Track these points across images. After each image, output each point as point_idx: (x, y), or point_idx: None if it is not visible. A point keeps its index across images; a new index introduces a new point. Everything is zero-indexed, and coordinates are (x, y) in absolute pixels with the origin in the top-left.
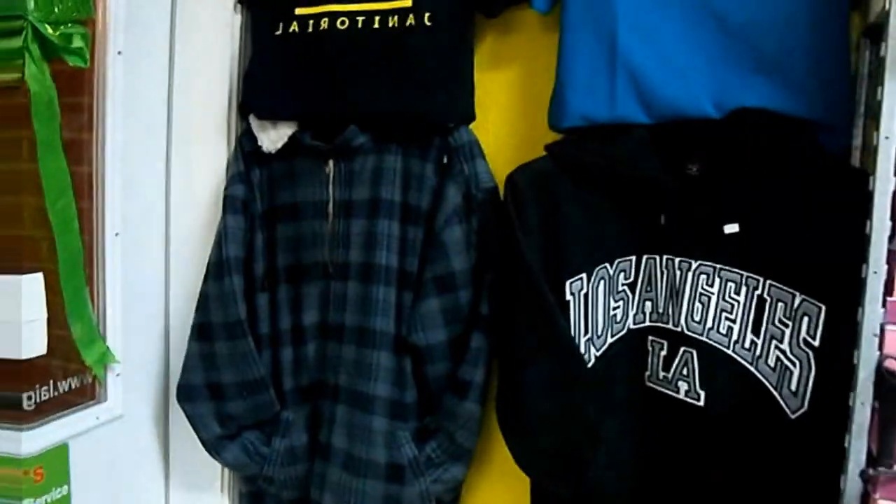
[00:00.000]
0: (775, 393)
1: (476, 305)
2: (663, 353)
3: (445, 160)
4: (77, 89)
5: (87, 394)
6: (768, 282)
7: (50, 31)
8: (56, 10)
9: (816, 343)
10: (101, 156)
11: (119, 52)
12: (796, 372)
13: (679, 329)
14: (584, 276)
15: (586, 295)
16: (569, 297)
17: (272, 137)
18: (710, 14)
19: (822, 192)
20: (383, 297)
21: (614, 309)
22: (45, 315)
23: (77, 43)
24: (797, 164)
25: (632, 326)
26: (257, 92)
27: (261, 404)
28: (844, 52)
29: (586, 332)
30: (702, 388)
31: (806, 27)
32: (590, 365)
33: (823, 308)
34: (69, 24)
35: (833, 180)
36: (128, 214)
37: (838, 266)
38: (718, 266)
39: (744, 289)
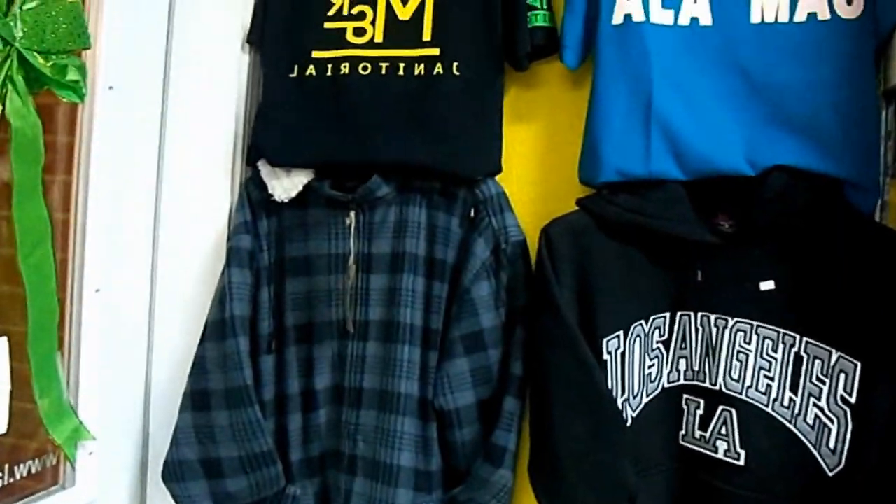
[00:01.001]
0: (814, 451)
1: (506, 365)
2: (700, 411)
3: (472, 213)
4: (59, 125)
5: (50, 479)
6: (805, 339)
7: (41, 61)
8: (48, 38)
9: (853, 400)
10: (83, 201)
11: (110, 88)
12: (834, 429)
13: (717, 387)
14: (620, 333)
15: (622, 353)
16: (606, 356)
17: (285, 185)
18: (743, 74)
19: (854, 249)
20: (407, 357)
21: (649, 367)
22: (7, 386)
23: (72, 76)
24: (829, 222)
25: (666, 385)
26: (270, 136)
27: (265, 480)
28: (872, 112)
29: (623, 392)
30: (742, 447)
31: (835, 88)
32: (627, 425)
33: (859, 365)
34: (63, 55)
35: (865, 238)
36: (110, 269)
37: (873, 323)
38: (755, 323)
39: (781, 346)
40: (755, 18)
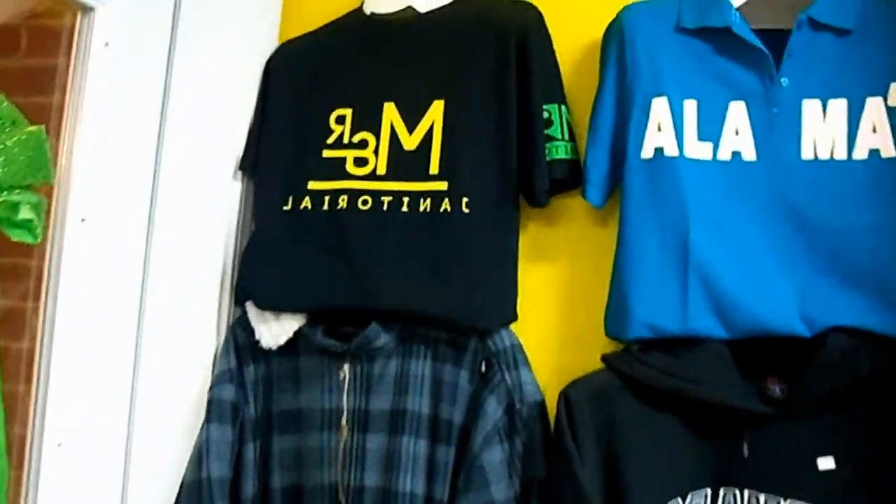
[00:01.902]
0: None
1: None
2: None
3: (483, 367)
4: (25, 251)
5: None
6: None
7: None
8: (1, 172)
9: None
10: (48, 334)
11: (83, 220)
12: None
13: None
14: None
15: None
16: None
17: (274, 331)
18: (794, 217)
19: None
20: None
21: None
22: None
23: (25, 214)
24: None
25: None
26: (258, 276)
27: None
28: None
29: None
30: None
31: None
32: None
33: None
34: (17, 191)
35: None
36: (81, 423)
37: None
38: None
39: None
40: (807, 154)
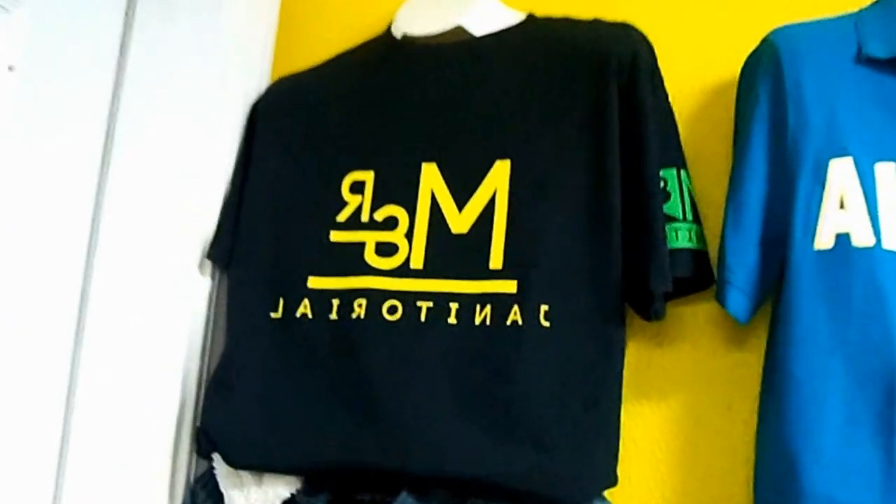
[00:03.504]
0: None
1: None
2: None
3: None
4: None
5: None
6: None
7: None
8: None
9: None
10: None
11: None
12: None
13: None
14: None
15: None
16: None
17: (253, 498)
18: None
19: None
20: None
21: None
22: None
23: None
24: None
25: None
26: (231, 417)
27: None
28: None
29: None
30: None
31: None
32: None
33: None
34: None
35: None
36: None
37: None
38: None
39: None
40: None
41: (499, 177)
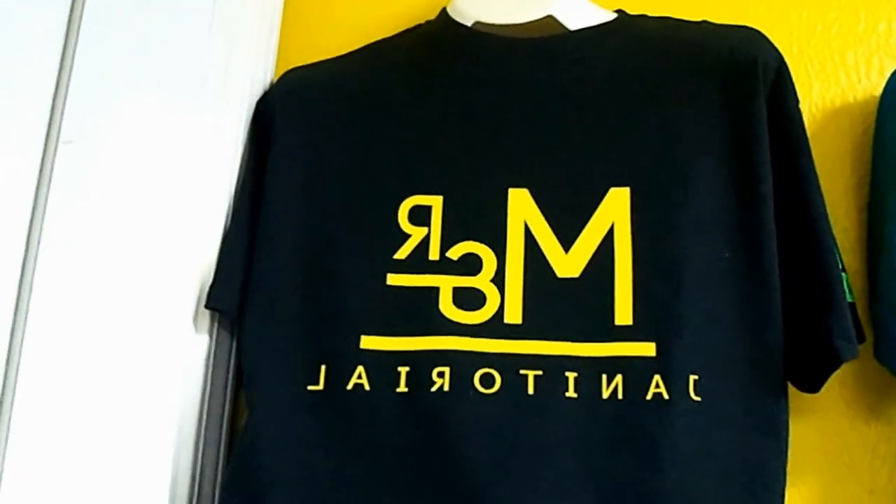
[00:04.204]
0: None
1: None
2: None
3: None
4: None
5: None
6: None
7: None
8: None
9: None
10: None
11: None
12: None
13: None
14: None
15: None
16: None
17: None
18: None
19: None
20: None
21: None
22: None
23: None
24: None
25: None
26: None
27: None
28: None
29: None
30: None
31: None
32: None
33: None
34: None
35: None
36: None
37: None
38: None
39: None
40: None
41: (616, 207)
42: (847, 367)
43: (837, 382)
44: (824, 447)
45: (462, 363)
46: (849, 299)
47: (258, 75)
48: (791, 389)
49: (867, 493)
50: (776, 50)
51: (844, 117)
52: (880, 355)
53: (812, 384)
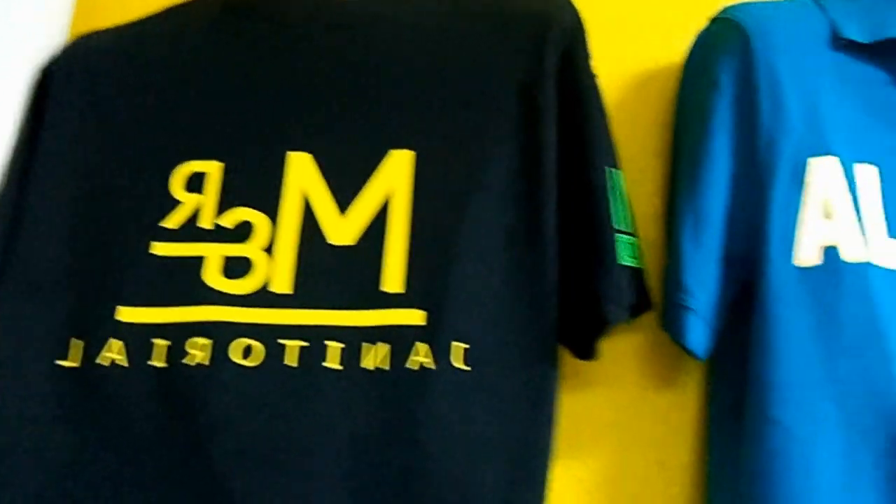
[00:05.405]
0: None
1: None
2: None
3: None
4: None
5: None
6: None
7: None
8: None
9: None
10: None
11: None
12: None
13: None
14: None
15: None
16: None
17: None
18: None
19: None
20: None
21: None
22: None
23: None
24: None
25: None
26: None
27: None
28: None
29: None
30: None
31: None
32: None
33: None
34: None
35: None
36: None
37: None
38: None
39: None
40: None
41: (397, 171)
42: (639, 336)
43: (630, 352)
44: (615, 419)
45: (222, 334)
46: (632, 264)
47: (44, 42)
48: (582, 361)
49: (658, 466)
50: (573, 11)
51: (654, 84)
52: (663, 324)
53: (586, 350)
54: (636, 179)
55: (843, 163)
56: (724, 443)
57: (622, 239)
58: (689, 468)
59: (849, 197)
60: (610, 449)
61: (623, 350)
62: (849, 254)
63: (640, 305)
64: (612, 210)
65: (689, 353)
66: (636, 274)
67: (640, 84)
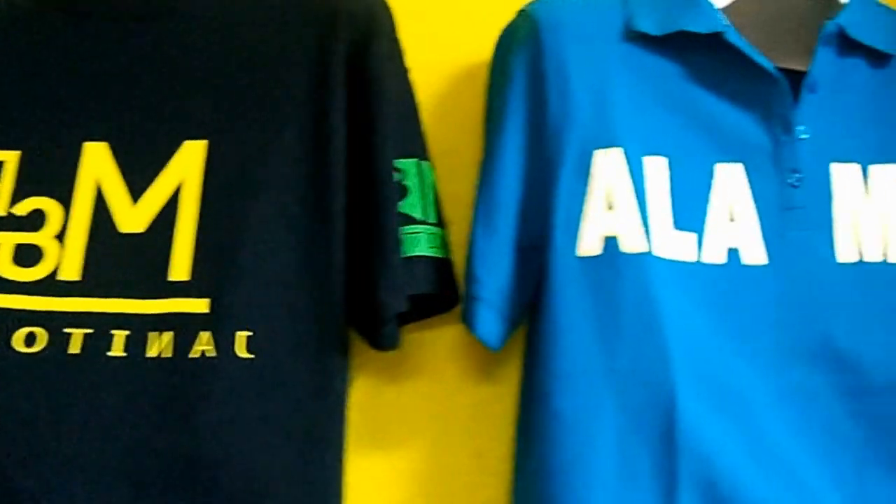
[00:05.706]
0: None
1: None
2: None
3: None
4: None
5: None
6: None
7: None
8: None
9: None
10: None
11: None
12: None
13: None
14: None
15: None
16: None
17: None
18: (832, 362)
19: None
20: None
21: None
22: None
23: None
24: None
25: None
26: None
27: None
28: None
29: None
30: None
31: None
32: None
33: None
34: None
35: None
36: None
37: None
38: None
39: None
40: (846, 255)
41: (189, 161)
42: (458, 328)
43: (448, 344)
44: (432, 411)
45: (4, 321)
46: (432, 254)
47: None
48: (399, 353)
49: (475, 457)
50: (380, 10)
51: (477, 78)
52: (462, 317)
53: (376, 339)
54: (456, 172)
55: (628, 154)
56: (523, 435)
57: (422, 229)
58: (505, 459)
59: (632, 189)
60: (429, 439)
61: (441, 342)
62: (628, 244)
63: (449, 297)
64: (412, 200)
65: (482, 342)
66: (441, 265)
67: (463, 78)
